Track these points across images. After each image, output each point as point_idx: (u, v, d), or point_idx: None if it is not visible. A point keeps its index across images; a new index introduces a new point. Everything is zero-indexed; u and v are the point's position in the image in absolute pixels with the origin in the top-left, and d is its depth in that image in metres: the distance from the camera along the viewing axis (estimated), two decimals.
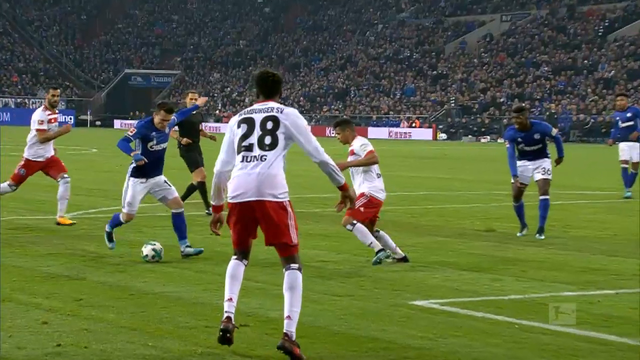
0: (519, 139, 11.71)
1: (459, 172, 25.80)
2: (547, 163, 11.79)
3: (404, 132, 61.22)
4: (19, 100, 76.79)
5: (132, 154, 9.52)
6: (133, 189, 9.50)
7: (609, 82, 58.99)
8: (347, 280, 8.36)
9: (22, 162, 12.01)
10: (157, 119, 9.56)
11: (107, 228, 9.76)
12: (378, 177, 9.37)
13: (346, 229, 9.14)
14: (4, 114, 71.59)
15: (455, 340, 6.21)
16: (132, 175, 9.51)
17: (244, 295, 7.22)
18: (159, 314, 6.77)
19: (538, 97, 60.58)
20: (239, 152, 5.77)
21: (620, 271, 9.09)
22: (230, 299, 5.80)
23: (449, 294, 7.78)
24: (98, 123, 75.56)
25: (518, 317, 6.85)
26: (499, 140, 55.95)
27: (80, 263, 9.05)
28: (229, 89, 79.68)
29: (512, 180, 11.77)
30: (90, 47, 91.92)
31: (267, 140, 5.72)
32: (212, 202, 6.07)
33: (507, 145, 11.78)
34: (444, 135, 59.29)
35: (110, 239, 9.66)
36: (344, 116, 72.82)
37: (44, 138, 11.92)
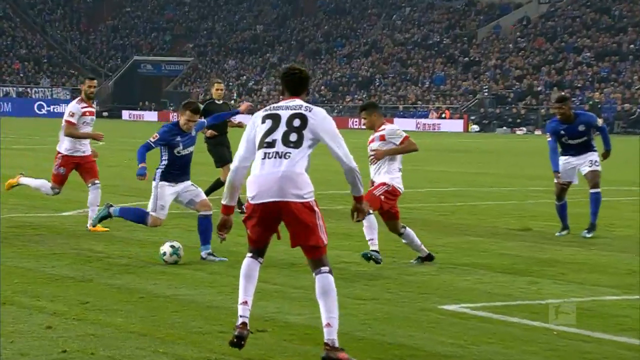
0: (562, 132, 11.62)
1: (492, 167, 25.72)
2: (594, 156, 11.69)
3: (433, 124, 61.08)
4: (20, 89, 77.37)
5: (139, 165, 9.60)
6: (163, 191, 9.49)
7: None
8: (371, 283, 8.38)
9: (59, 160, 11.74)
10: (182, 120, 9.54)
11: (113, 211, 9.66)
12: (399, 171, 9.40)
13: None
14: (5, 104, 72.13)
15: (488, 348, 6.20)
16: (161, 180, 9.53)
17: (260, 299, 7.25)
18: (170, 319, 6.82)
19: (579, 85, 60.22)
20: (260, 148, 5.78)
21: None
22: (245, 302, 5.82)
23: (481, 298, 7.77)
24: (105, 114, 75.92)
25: (556, 323, 6.82)
26: (535, 132, 55.67)
27: (87, 264, 9.12)
28: (244, 77, 79.85)
29: (555, 178, 11.69)
30: (97, 33, 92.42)
31: (293, 137, 5.75)
32: (222, 202, 6.03)
33: (549, 139, 11.68)
34: (476, 127, 59.09)
35: (102, 220, 9.77)
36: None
37: (70, 133, 11.68)
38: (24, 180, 11.93)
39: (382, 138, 9.29)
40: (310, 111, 5.83)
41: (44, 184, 11.79)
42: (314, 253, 5.76)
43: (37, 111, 72.38)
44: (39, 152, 27.98)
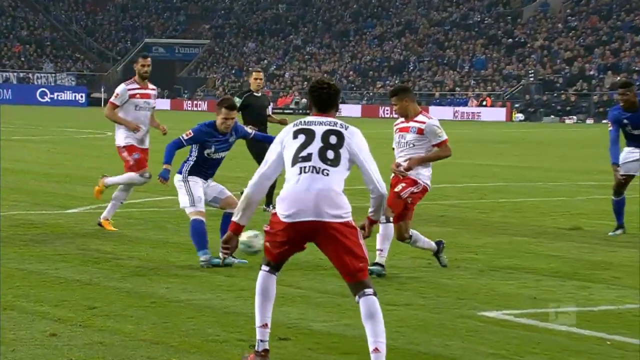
0: (625, 121, 11.54)
1: (538, 160, 25.61)
2: None
3: (473, 112, 60.89)
4: (21, 75, 77.99)
5: (164, 166, 9.61)
6: (196, 183, 9.47)
7: None
8: (404, 287, 8.39)
9: (125, 152, 11.58)
10: (218, 120, 9.54)
11: (203, 258, 9.15)
12: (430, 166, 9.24)
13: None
14: (5, 90, 72.73)
15: (533, 359, 6.19)
16: (189, 174, 9.52)
17: (283, 304, 7.28)
18: (184, 325, 6.88)
19: (637, 68, 59.77)
20: (294, 164, 5.79)
21: None
22: (264, 325, 5.83)
23: (525, 304, 7.77)
24: None
25: (610, 332, 6.81)
26: (587, 121, 55.34)
27: (94, 266, 9.21)
28: (265, 61, 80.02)
29: (614, 171, 11.61)
30: (104, 12, 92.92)
31: (330, 154, 5.78)
32: (234, 218, 6.01)
33: (610, 128, 11.62)
34: (520, 116, 58.85)
35: (213, 257, 9.21)
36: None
37: (108, 114, 11.70)
38: (110, 180, 11.66)
39: (420, 132, 9.04)
40: (346, 129, 5.87)
41: (132, 176, 11.56)
42: (357, 275, 5.73)
43: (40, 99, 72.93)
44: (40, 144, 28.21)
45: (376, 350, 5.58)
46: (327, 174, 5.74)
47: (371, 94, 69.70)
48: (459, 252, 10.16)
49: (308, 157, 5.77)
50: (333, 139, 5.81)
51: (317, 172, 5.74)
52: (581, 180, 19.24)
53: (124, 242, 10.56)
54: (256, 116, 13.80)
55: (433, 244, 9.29)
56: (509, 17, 72.18)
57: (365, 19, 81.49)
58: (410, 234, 9.16)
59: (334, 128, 5.84)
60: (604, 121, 54.79)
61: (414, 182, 9.06)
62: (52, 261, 9.39)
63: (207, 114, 61.38)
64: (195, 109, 71.30)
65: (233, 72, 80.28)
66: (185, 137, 9.53)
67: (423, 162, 9.08)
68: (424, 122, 9.11)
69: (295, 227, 5.73)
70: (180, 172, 9.61)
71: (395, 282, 8.59)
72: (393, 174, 9.18)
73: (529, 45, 67.78)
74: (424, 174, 9.14)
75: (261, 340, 5.82)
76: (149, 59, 12.03)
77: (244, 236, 8.68)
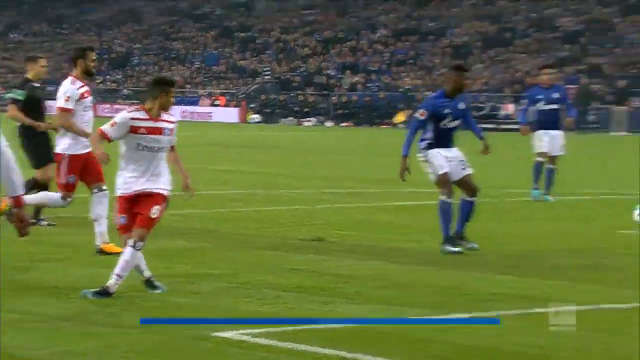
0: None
1: (279, 166, 26.11)
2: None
3: (204, 112, 61.22)
4: None
5: None
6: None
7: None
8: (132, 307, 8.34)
9: (66, 166, 10.93)
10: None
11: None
12: None
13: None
14: None
15: None
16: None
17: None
18: None
19: (374, 68, 62.13)
20: None
21: None
22: None
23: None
24: None
25: (351, 351, 6.98)
26: (326, 124, 57.06)
27: None
28: None
29: None
30: None
31: None
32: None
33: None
34: (256, 117, 59.74)
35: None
36: (126, 89, 70.17)
37: (67, 123, 11.05)
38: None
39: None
40: None
41: (50, 196, 11.18)
42: None
43: None
44: None
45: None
46: None
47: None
48: (194, 267, 10.23)
49: None
50: None
51: None
52: (325, 188, 19.80)
53: None
54: (42, 111, 12.95)
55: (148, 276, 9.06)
56: (243, 8, 73.09)
57: (81, 1, 79.85)
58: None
59: None
60: (343, 124, 56.64)
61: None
62: None
63: None
64: None
65: None
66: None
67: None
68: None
69: None
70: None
71: (121, 300, 8.52)
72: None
73: (263, 39, 68.92)
74: None
75: None
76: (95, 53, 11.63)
77: None
